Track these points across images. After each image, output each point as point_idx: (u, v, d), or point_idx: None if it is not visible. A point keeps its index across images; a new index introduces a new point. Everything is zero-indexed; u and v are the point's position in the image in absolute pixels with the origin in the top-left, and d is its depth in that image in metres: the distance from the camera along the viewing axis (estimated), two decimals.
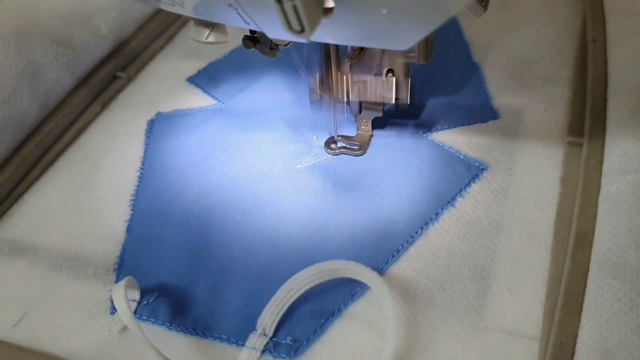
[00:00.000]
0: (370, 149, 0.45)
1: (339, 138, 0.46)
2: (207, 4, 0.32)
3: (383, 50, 0.41)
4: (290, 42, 0.39)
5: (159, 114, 0.51)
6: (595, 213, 0.37)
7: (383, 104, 0.44)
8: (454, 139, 0.45)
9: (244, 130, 0.47)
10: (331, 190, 0.42)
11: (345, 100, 0.44)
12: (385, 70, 0.42)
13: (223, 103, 0.51)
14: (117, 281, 0.38)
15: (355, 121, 0.46)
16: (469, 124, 0.46)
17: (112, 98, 0.53)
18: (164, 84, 0.54)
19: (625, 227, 0.34)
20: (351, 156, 0.44)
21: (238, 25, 0.33)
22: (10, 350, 0.35)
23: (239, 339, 0.34)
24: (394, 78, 0.42)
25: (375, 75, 0.42)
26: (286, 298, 0.34)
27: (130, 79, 0.55)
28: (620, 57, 0.46)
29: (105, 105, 0.52)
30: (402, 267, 0.37)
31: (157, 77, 0.55)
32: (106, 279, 0.39)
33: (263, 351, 0.33)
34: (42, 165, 0.47)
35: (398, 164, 0.43)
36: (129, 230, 0.41)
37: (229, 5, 0.30)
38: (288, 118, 0.48)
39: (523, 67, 0.51)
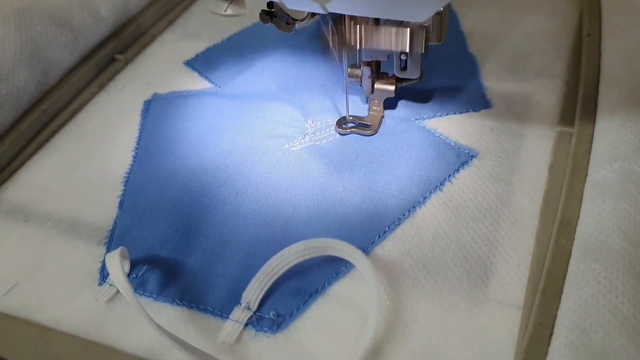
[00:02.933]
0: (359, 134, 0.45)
1: (351, 118, 0.46)
2: None
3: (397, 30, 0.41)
4: (307, 15, 0.40)
5: (155, 95, 0.51)
6: (581, 200, 0.37)
7: (395, 81, 0.44)
8: (446, 126, 0.45)
9: (239, 113, 0.48)
10: (324, 171, 0.42)
11: (357, 47, 0.42)
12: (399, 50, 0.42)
13: (219, 87, 0.52)
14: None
15: (367, 102, 0.47)
16: (461, 112, 0.46)
17: (110, 79, 0.54)
18: (162, 67, 0.55)
19: (609, 213, 0.34)
20: (344, 140, 0.45)
21: None
22: None
23: (223, 311, 0.35)
24: (408, 28, 0.40)
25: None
26: (271, 274, 0.35)
27: (128, 62, 0.55)
28: (614, 51, 0.46)
29: (102, 86, 0.53)
30: (387, 247, 0.37)
31: (155, 61, 0.56)
32: (96, 252, 0.39)
33: (246, 324, 0.34)
34: (37, 142, 0.47)
35: (389, 149, 0.43)
36: (121, 205, 0.42)
37: None
38: (284, 102, 0.48)
39: (518, 60, 0.51)
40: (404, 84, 0.46)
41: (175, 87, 0.52)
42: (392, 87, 0.45)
